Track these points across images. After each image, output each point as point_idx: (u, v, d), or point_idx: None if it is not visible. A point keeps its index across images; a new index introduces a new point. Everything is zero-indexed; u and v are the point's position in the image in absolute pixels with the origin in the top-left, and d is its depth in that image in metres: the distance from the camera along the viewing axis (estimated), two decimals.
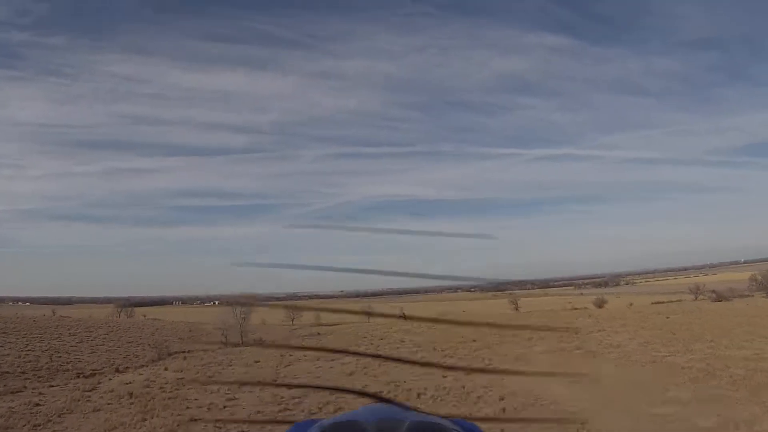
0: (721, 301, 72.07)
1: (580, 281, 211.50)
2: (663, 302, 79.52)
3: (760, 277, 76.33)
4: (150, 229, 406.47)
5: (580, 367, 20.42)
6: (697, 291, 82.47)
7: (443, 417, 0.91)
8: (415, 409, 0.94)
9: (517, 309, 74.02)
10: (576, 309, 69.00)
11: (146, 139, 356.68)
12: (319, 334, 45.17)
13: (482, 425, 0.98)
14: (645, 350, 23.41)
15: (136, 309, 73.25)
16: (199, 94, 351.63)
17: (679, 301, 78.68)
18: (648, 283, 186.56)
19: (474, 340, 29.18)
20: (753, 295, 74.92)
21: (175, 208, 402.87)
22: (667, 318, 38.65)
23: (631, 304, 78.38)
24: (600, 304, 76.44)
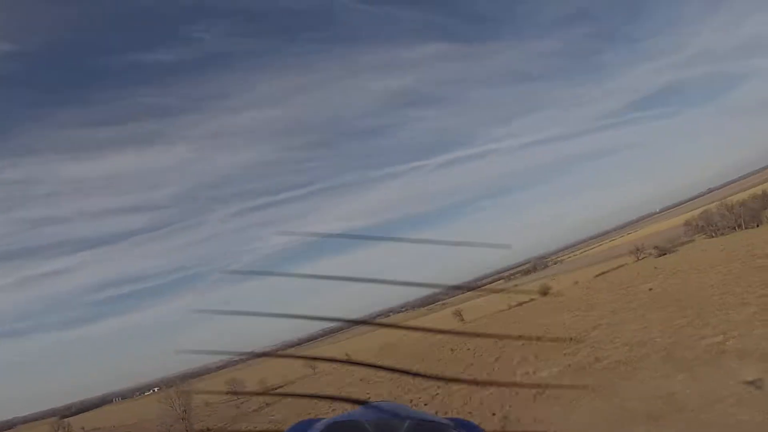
0: (665, 254, 66.44)
1: (507, 273, 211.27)
2: (606, 271, 73.55)
3: (697, 221, 71.58)
4: (75, 330, 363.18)
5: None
6: (637, 251, 77.00)
7: (443, 417, 0.97)
8: (415, 409, 1.00)
9: (463, 320, 66.29)
10: (522, 304, 60.40)
11: (49, 241, 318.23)
12: (267, 405, 40.11)
13: None
14: (691, 340, 16.75)
15: (76, 417, 75.64)
16: (92, 182, 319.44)
17: (624, 266, 73.29)
18: (575, 256, 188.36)
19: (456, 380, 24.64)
20: (694, 239, 70.34)
21: (94, 302, 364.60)
22: (650, 290, 32.89)
23: (576, 282, 71.28)
24: (544, 291, 68.06)
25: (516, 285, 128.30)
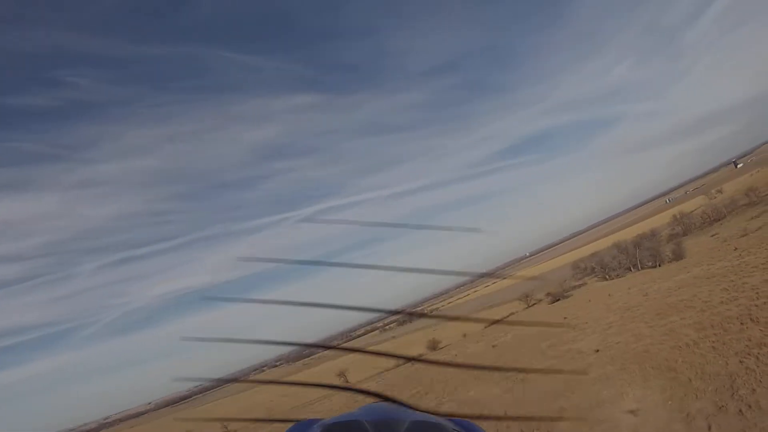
0: (558, 300, 59.88)
1: (381, 324, 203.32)
2: (496, 322, 65.46)
3: (586, 262, 66.18)
4: None
5: None
6: (527, 297, 69.47)
7: (443, 416, 0.99)
8: (416, 409, 1.02)
9: (347, 380, 55.59)
10: (410, 361, 46.00)
11: None
12: None
13: None
14: None
15: None
16: None
17: (514, 313, 65.37)
18: (452, 303, 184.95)
19: None
20: (586, 282, 64.88)
21: None
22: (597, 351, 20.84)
23: (465, 335, 62.58)
24: (433, 345, 60.29)
25: (394, 337, 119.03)
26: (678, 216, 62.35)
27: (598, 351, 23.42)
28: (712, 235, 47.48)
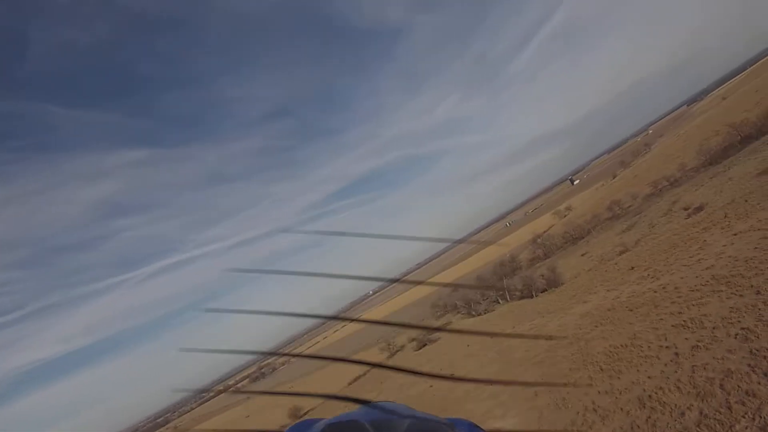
0: (425, 345, 51.31)
1: (234, 381, 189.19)
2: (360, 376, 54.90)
3: (446, 299, 58.88)
4: None
5: None
6: (389, 346, 59.52)
7: (443, 417, 1.01)
8: (415, 410, 1.04)
9: None
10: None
11: None
12: None
13: None
14: None
15: None
16: None
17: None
18: (305, 352, 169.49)
19: None
20: (451, 321, 57.21)
21: None
22: None
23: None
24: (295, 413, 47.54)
25: (249, 397, 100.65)
26: (538, 238, 59.76)
27: None
28: (583, 255, 43.41)
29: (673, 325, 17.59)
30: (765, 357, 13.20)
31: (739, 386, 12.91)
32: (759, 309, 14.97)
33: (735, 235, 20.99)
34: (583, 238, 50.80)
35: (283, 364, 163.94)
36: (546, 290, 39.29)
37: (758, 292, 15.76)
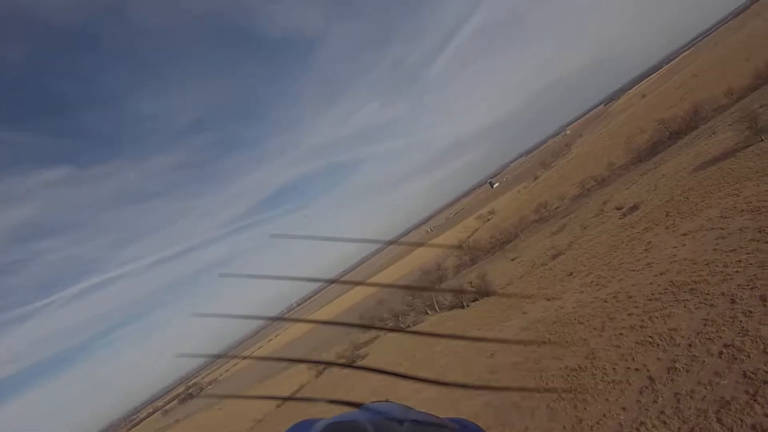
0: (353, 362, 46.09)
1: (161, 402, 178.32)
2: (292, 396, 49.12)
3: (373, 312, 55.34)
4: None
5: None
6: (318, 368, 54.72)
7: (443, 417, 1.02)
8: (415, 409, 1.05)
9: None
10: None
11: None
12: None
13: None
14: None
15: None
16: None
17: (305, 384, 50.13)
18: (231, 372, 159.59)
19: None
20: (378, 336, 53.79)
21: None
22: None
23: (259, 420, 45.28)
24: None
25: (178, 420, 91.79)
26: (463, 244, 58.01)
27: None
28: (512, 259, 41.81)
29: (637, 342, 15.15)
30: (766, 381, 10.85)
31: (741, 420, 10.37)
32: (740, 321, 12.81)
33: (684, 235, 19.54)
34: (511, 242, 49.75)
35: (210, 384, 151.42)
36: (477, 299, 37.04)
37: (733, 301, 13.71)
